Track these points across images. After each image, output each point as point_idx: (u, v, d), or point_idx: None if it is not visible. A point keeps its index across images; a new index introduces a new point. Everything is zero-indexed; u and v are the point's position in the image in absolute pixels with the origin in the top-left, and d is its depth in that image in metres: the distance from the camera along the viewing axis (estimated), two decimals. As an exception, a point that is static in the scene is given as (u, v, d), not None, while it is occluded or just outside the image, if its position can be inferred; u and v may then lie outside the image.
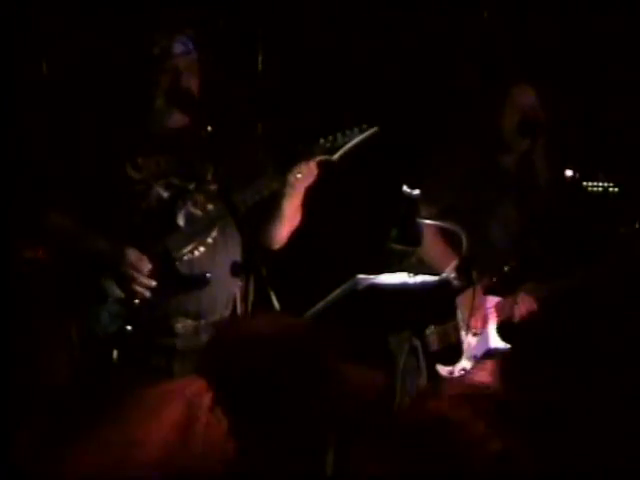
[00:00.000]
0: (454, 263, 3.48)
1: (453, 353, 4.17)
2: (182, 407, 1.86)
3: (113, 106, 3.60)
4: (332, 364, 1.92)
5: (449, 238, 3.88)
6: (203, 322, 3.55)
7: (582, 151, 4.71)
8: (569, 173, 4.39)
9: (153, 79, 3.50)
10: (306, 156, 3.54)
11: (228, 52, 4.76)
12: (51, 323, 3.56)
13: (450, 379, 4.08)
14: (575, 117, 4.80)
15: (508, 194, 4.28)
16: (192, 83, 3.54)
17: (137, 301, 3.44)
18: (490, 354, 4.18)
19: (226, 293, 3.61)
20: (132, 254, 3.42)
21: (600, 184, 4.55)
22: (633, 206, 4.35)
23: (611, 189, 4.57)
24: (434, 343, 4.16)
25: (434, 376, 4.12)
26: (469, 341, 4.17)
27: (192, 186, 3.56)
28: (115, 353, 3.38)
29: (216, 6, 4.74)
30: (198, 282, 3.52)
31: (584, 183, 4.52)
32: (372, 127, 3.60)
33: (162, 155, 3.56)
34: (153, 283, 3.43)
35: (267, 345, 1.89)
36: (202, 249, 3.53)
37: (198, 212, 3.54)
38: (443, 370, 4.15)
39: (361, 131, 3.59)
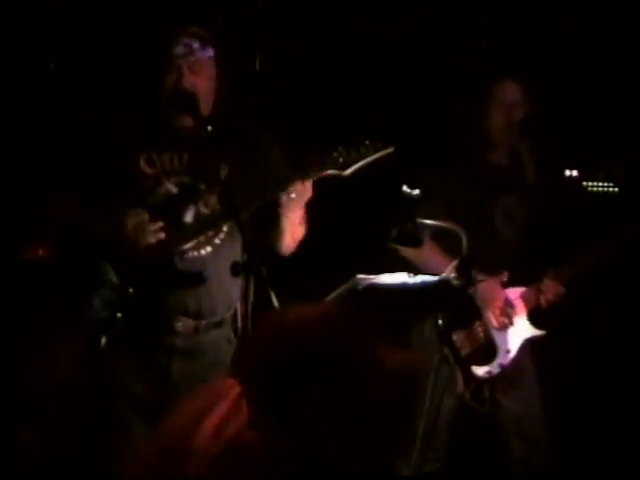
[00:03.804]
0: (454, 263, 3.48)
1: (487, 352, 4.15)
2: (207, 396, 1.84)
3: (132, 100, 3.62)
4: (367, 348, 1.87)
5: (445, 239, 3.89)
6: (204, 322, 3.55)
7: (582, 150, 4.73)
8: (569, 173, 4.41)
9: (170, 76, 3.51)
10: (312, 170, 3.54)
11: (238, 54, 4.76)
12: (49, 319, 3.57)
13: None
14: (575, 115, 4.82)
15: (505, 187, 4.30)
16: (199, 83, 3.55)
17: (131, 290, 3.44)
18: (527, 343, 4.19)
19: (227, 294, 3.60)
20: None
21: (600, 184, 4.56)
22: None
23: (611, 189, 4.58)
24: (464, 347, 4.11)
25: (471, 380, 4.09)
26: (501, 336, 4.17)
27: (204, 186, 3.57)
28: (103, 340, 3.38)
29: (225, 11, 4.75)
30: (193, 279, 3.51)
31: (584, 183, 4.53)
32: (387, 147, 3.55)
33: (178, 153, 3.57)
34: (161, 225, 3.43)
35: (295, 337, 1.83)
36: (209, 249, 3.54)
37: (207, 212, 3.55)
38: (480, 371, 4.11)
39: (375, 150, 3.55)
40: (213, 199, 3.55)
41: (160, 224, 3.43)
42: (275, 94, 4.87)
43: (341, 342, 1.82)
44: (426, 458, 4.09)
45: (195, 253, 3.52)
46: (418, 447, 3.95)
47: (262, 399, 1.81)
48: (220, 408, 1.80)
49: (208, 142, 3.48)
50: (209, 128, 3.40)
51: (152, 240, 3.42)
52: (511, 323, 4.18)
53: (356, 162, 3.54)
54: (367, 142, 3.56)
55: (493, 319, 4.15)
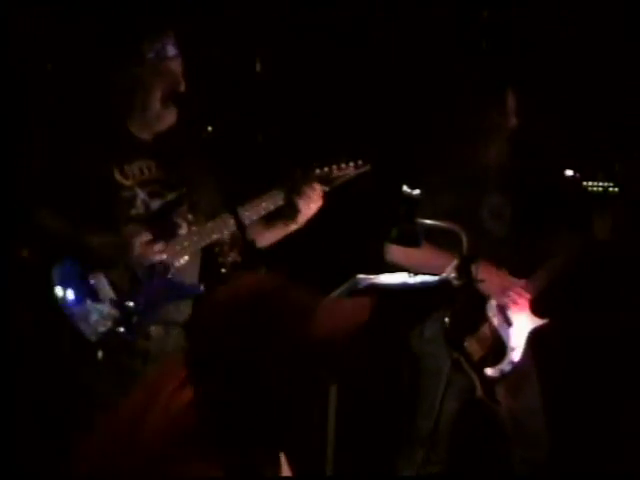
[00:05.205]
0: (454, 263, 3.48)
1: (497, 351, 4.16)
2: (141, 395, 1.88)
3: (100, 109, 3.60)
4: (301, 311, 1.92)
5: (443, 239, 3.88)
6: (173, 329, 3.58)
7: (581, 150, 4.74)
8: (569, 173, 4.42)
9: (147, 82, 3.50)
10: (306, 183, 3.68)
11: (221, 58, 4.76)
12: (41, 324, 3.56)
13: None
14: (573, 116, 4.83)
15: (490, 186, 4.30)
16: (183, 86, 3.56)
17: (131, 304, 3.44)
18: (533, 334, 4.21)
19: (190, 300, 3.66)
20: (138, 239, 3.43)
21: (600, 184, 4.56)
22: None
23: (611, 189, 4.58)
24: (476, 352, 4.12)
25: (486, 381, 4.10)
26: (506, 332, 4.18)
27: (176, 196, 3.58)
28: (100, 354, 3.39)
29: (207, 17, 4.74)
30: (190, 291, 3.57)
31: (584, 183, 4.53)
32: (366, 164, 3.82)
33: (145, 162, 3.57)
34: (164, 246, 3.44)
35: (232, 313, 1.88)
36: (186, 258, 3.56)
37: (181, 222, 3.55)
38: (492, 371, 4.13)
39: (356, 167, 3.81)
40: (184, 209, 3.57)
41: (162, 244, 3.45)
42: (275, 97, 4.88)
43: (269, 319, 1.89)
44: (428, 459, 4.10)
45: (178, 264, 3.54)
46: (425, 448, 3.97)
47: (203, 382, 1.83)
48: (167, 389, 1.82)
49: (171, 149, 3.53)
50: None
51: (157, 258, 3.44)
52: (515, 318, 4.18)
53: (338, 179, 3.77)
54: (347, 159, 3.80)
55: (494, 297, 4.15)
